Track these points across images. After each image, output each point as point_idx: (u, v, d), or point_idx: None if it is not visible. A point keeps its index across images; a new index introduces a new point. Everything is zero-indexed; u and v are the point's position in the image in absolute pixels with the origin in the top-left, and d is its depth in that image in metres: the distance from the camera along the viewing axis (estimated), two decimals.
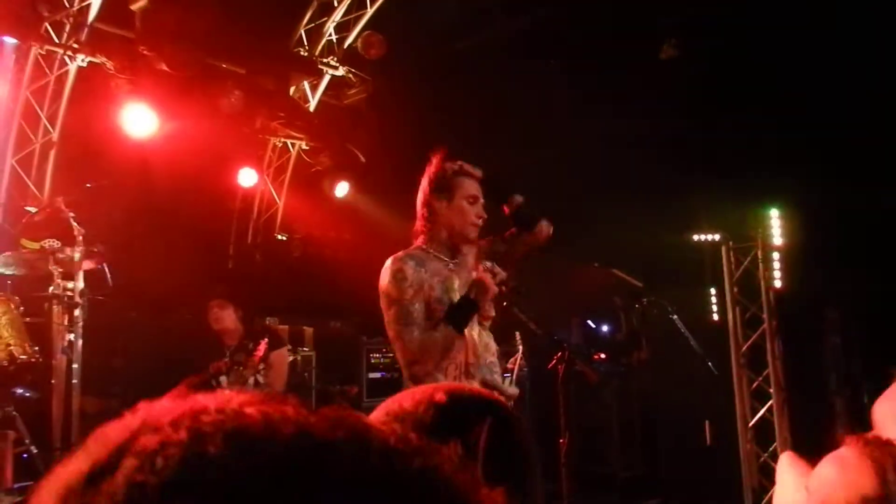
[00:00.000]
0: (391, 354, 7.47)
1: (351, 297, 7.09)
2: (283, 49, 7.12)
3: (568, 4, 6.20)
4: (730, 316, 5.43)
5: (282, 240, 7.84)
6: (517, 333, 5.82)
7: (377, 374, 7.26)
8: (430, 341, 2.70)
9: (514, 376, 6.03)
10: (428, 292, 2.74)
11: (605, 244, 6.68)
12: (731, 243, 5.42)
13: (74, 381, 4.51)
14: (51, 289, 4.53)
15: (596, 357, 7.88)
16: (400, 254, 2.83)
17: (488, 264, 2.90)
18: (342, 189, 7.69)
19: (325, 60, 7.31)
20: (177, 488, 0.42)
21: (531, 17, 6.61)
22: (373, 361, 7.25)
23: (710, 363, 4.43)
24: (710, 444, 4.41)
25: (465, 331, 2.80)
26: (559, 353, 4.21)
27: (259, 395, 0.50)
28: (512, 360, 6.02)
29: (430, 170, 2.94)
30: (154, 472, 0.43)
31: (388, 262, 2.80)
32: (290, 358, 5.50)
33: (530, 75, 6.77)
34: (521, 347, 5.92)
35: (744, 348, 5.42)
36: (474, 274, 2.83)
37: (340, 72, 7.39)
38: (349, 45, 7.29)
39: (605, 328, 8.51)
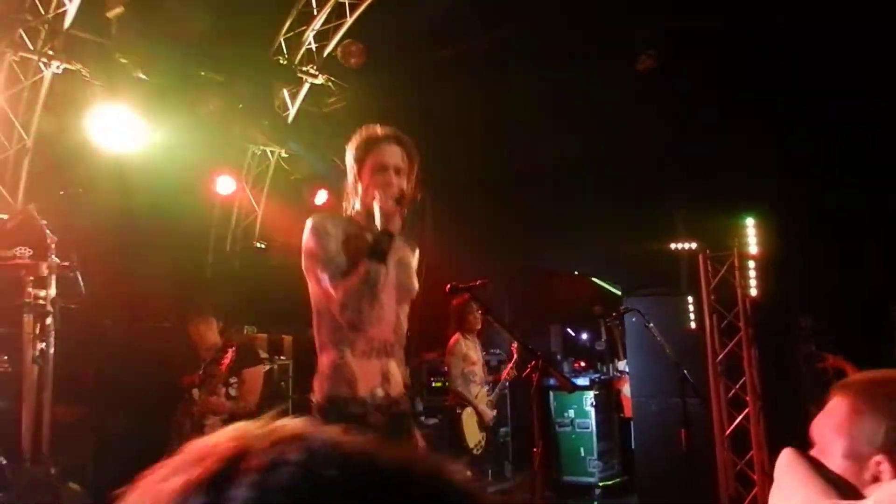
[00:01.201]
0: None
1: None
2: (262, 57, 7.09)
3: (545, 16, 6.24)
4: (706, 324, 5.46)
5: (261, 248, 7.80)
6: (513, 344, 5.81)
7: None
8: (356, 281, 2.49)
9: (498, 389, 6.00)
10: (353, 247, 2.56)
11: (585, 253, 6.72)
12: (707, 252, 5.46)
13: (45, 390, 4.45)
14: (25, 298, 4.48)
15: (576, 365, 7.90)
16: (320, 213, 2.73)
17: (395, 193, 2.63)
18: (322, 197, 7.66)
19: (304, 69, 7.30)
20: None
21: (509, 27, 6.65)
22: None
23: (685, 371, 4.44)
24: (685, 451, 4.42)
25: (384, 309, 2.61)
26: (533, 362, 4.24)
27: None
28: (505, 371, 6.00)
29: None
30: (277, 488, 0.46)
31: (308, 221, 2.64)
32: (267, 367, 5.45)
33: (508, 85, 6.80)
34: (515, 357, 5.90)
35: (720, 356, 5.45)
36: (376, 204, 2.59)
37: (320, 80, 7.38)
38: (329, 54, 7.28)
39: (584, 336, 8.54)
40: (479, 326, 5.80)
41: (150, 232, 6.31)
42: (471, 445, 5.59)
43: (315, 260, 2.55)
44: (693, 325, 5.64)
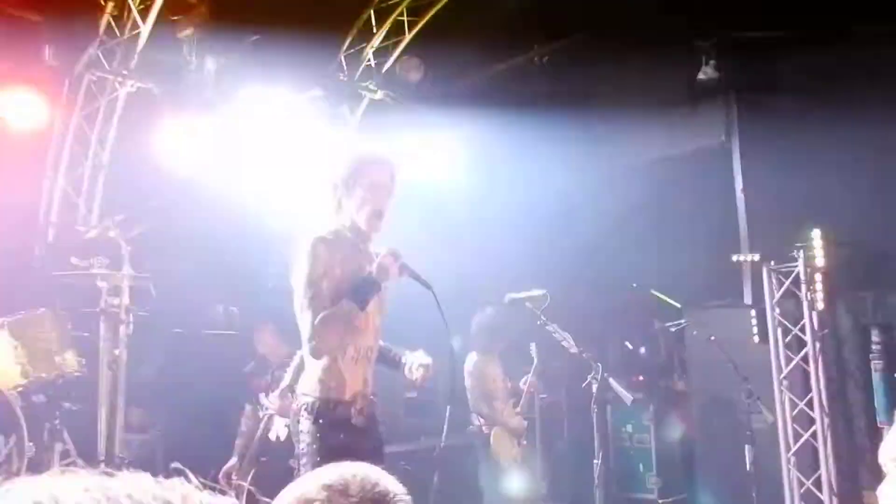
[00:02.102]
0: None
1: (389, 315, 7.15)
2: (324, 75, 7.26)
3: (605, 26, 6.23)
4: (771, 338, 5.33)
5: None
6: (532, 344, 5.66)
7: (413, 394, 7.27)
8: (332, 315, 2.76)
9: (524, 400, 5.77)
10: (338, 275, 2.81)
11: (644, 264, 6.63)
12: (772, 263, 5.34)
13: (119, 395, 4.64)
14: (99, 306, 4.69)
15: (633, 379, 7.77)
16: (318, 234, 2.88)
17: (393, 248, 2.93)
18: None
19: (364, 84, 7.44)
20: None
21: (567, 39, 6.66)
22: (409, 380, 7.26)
23: (749, 387, 4.34)
24: (750, 469, 4.31)
25: (370, 318, 2.94)
26: (593, 373, 4.21)
27: None
28: (523, 380, 5.75)
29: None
30: None
31: (306, 241, 2.86)
32: None
33: (565, 96, 6.80)
34: (535, 361, 5.70)
35: (785, 371, 5.31)
36: (377, 255, 2.90)
37: (379, 95, 7.51)
38: (388, 70, 7.42)
39: (642, 350, 8.41)
40: (503, 344, 5.63)
41: (217, 243, 6.50)
42: (507, 464, 5.42)
43: (302, 278, 2.80)
44: (757, 339, 5.51)
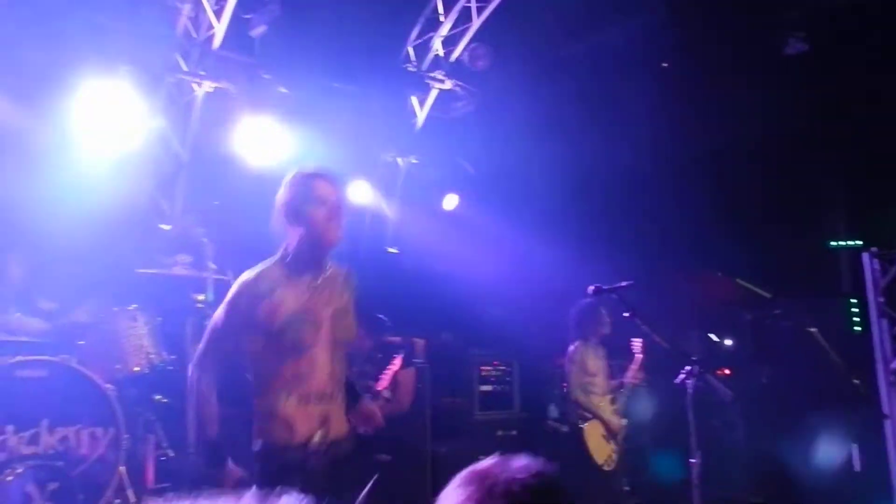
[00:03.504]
0: (502, 367, 7.41)
1: (460, 308, 7.10)
2: (392, 67, 7.25)
3: (680, 3, 5.99)
4: (875, 329, 5.02)
5: (393, 253, 7.95)
6: (634, 340, 5.53)
7: (488, 387, 7.21)
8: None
9: (624, 395, 5.62)
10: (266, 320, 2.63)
11: (729, 252, 6.37)
12: (874, 249, 5.03)
13: None
14: (184, 301, 4.78)
15: (719, 373, 7.51)
16: (250, 274, 2.72)
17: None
18: (451, 202, 7.73)
19: (432, 75, 7.39)
20: None
21: (642, 19, 6.44)
22: (483, 374, 7.21)
23: (855, 381, 4.09)
24: (859, 469, 4.05)
25: (316, 360, 2.68)
26: (688, 368, 4.04)
27: None
28: (630, 372, 5.64)
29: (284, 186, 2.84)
30: None
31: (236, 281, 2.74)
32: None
33: (642, 80, 6.58)
34: (638, 356, 5.60)
35: (893, 364, 5.00)
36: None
37: (448, 85, 7.45)
38: (456, 59, 7.34)
39: (728, 342, 8.12)
40: (606, 332, 5.55)
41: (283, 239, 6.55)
42: (599, 461, 5.29)
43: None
44: (858, 329, 5.21)
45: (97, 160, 5.51)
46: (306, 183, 2.77)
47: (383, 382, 4.53)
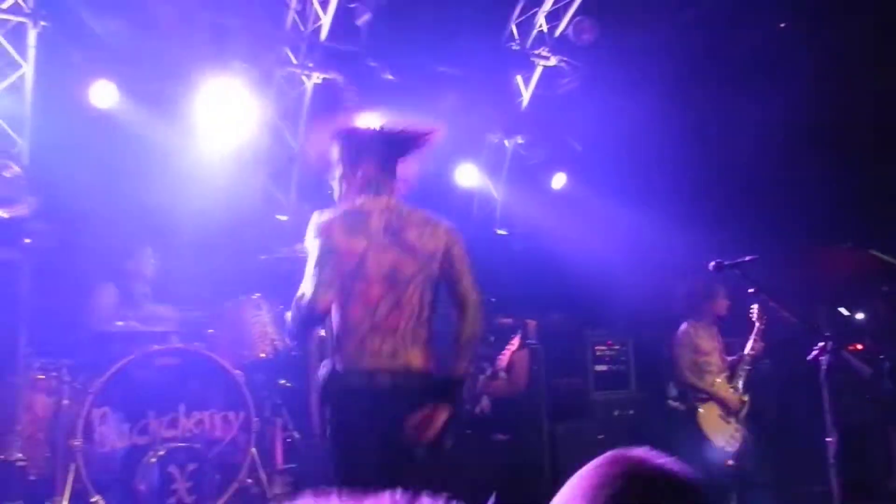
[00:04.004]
0: (616, 346, 7.27)
1: (573, 288, 7.00)
2: (495, 47, 7.18)
3: None
4: None
5: (502, 235, 7.93)
6: (754, 307, 5.23)
7: (603, 367, 7.11)
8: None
9: (744, 371, 5.30)
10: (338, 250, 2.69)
11: (861, 220, 5.93)
12: None
13: None
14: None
15: (851, 348, 7.04)
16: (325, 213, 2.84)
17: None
18: (559, 180, 7.61)
19: (536, 52, 7.26)
20: None
21: None
22: (598, 353, 7.11)
23: None
24: None
25: (375, 290, 2.67)
26: (822, 344, 3.81)
27: None
28: (750, 343, 5.30)
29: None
30: None
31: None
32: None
33: (760, 45, 6.21)
34: (758, 324, 5.28)
35: None
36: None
37: (552, 62, 7.30)
38: (560, 34, 7.17)
39: (859, 316, 7.59)
40: (721, 312, 5.28)
41: None
42: (719, 443, 5.08)
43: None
44: None
45: (216, 156, 5.79)
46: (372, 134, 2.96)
47: (503, 361, 4.55)
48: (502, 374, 4.60)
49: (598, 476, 0.96)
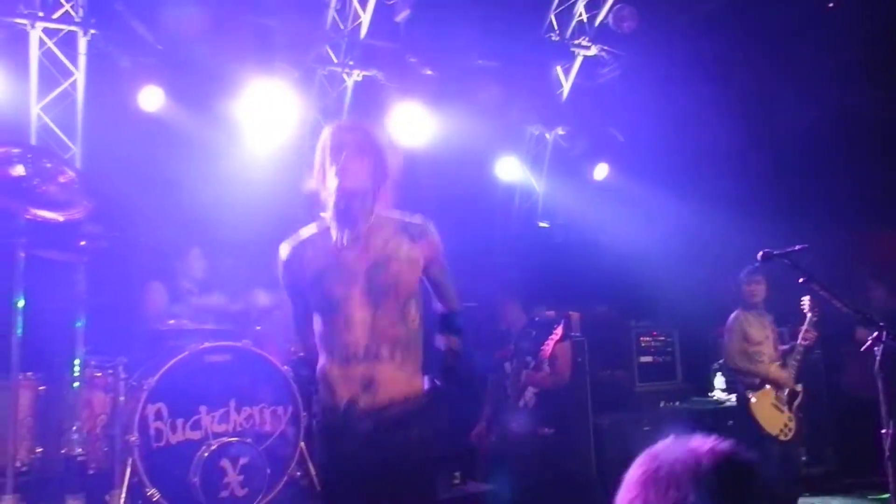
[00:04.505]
0: (662, 337, 7.19)
1: (616, 280, 6.94)
2: (534, 38, 7.13)
3: None
4: None
5: (544, 227, 7.89)
6: (805, 299, 5.14)
7: (648, 358, 7.06)
8: None
9: (796, 359, 5.20)
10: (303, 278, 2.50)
11: None
12: None
13: None
14: None
15: None
16: (292, 239, 2.60)
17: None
18: (601, 171, 7.54)
19: (576, 42, 7.19)
20: None
21: None
22: (643, 345, 7.06)
23: None
24: None
25: (351, 315, 2.43)
26: (876, 333, 3.70)
27: None
28: (801, 333, 5.18)
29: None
30: None
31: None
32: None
33: (810, 27, 6.03)
34: (809, 315, 5.18)
35: None
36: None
37: (593, 51, 7.23)
38: (600, 23, 7.09)
39: None
40: (759, 298, 5.22)
41: (438, 219, 6.68)
42: (774, 432, 4.99)
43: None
44: None
45: (260, 156, 5.88)
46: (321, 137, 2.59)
47: (546, 352, 4.55)
48: (546, 366, 4.60)
49: (639, 471, 0.95)
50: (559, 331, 4.50)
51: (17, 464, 4.08)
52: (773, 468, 4.87)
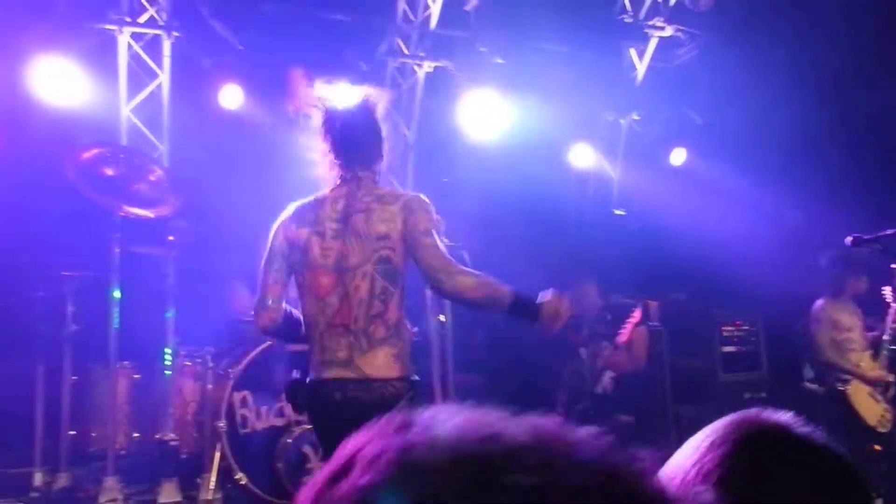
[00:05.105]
0: (745, 326, 6.97)
1: (696, 267, 6.76)
2: (606, 20, 7.00)
3: None
4: None
5: (619, 214, 7.76)
6: (887, 289, 4.90)
7: (731, 348, 6.87)
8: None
9: (892, 343, 4.99)
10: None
11: None
12: None
13: (448, 358, 4.99)
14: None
15: None
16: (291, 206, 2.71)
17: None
18: (679, 156, 7.35)
19: (650, 23, 7.01)
20: (389, 488, 0.46)
21: None
22: (725, 334, 6.87)
23: None
24: None
25: (329, 281, 2.51)
26: None
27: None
28: (888, 321, 4.97)
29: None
30: (372, 474, 0.47)
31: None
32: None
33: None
34: (894, 304, 4.96)
35: None
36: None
37: (668, 32, 7.03)
38: (676, 1, 6.89)
39: None
40: (861, 288, 5.03)
41: (513, 208, 6.68)
42: (871, 423, 4.81)
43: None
44: None
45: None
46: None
47: (623, 335, 4.51)
48: (623, 349, 4.56)
49: (716, 434, 0.90)
50: (637, 314, 4.46)
51: (117, 447, 4.32)
52: (873, 461, 4.68)
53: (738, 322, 6.91)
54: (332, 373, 2.44)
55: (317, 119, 2.75)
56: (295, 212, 2.62)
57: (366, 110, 2.74)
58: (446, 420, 0.52)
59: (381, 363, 2.43)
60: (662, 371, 5.99)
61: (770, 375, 6.86)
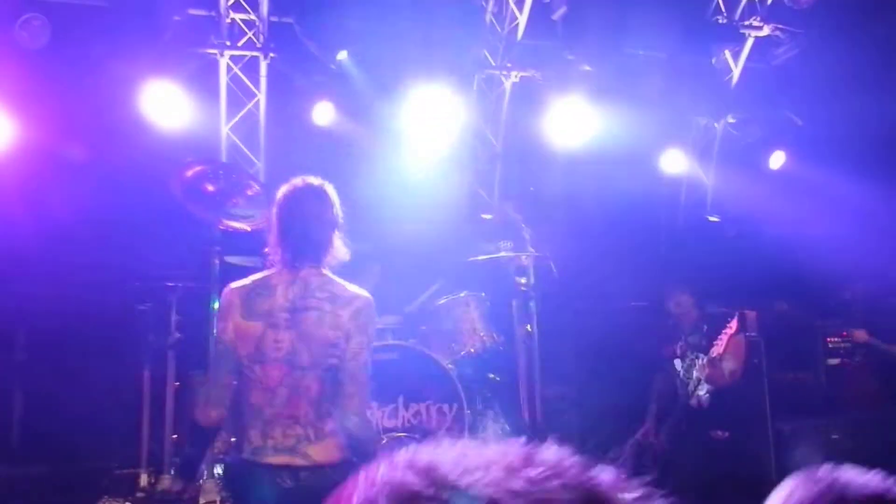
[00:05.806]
0: (850, 340, 6.61)
1: (797, 276, 6.45)
2: (698, 22, 6.80)
3: None
4: None
5: (713, 221, 7.50)
6: None
7: (836, 360, 6.55)
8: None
9: None
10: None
11: None
12: None
13: (534, 367, 4.98)
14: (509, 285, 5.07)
15: None
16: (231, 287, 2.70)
17: None
18: (778, 159, 7.05)
19: (746, 23, 6.76)
20: None
21: None
22: (830, 346, 6.55)
23: None
24: None
25: (283, 386, 2.54)
26: None
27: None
28: None
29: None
30: None
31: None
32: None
33: None
34: None
35: None
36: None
37: (765, 31, 6.75)
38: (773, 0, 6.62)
39: None
40: None
41: (602, 216, 6.58)
42: None
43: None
44: None
45: (422, 160, 6.10)
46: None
47: (719, 348, 4.37)
48: (718, 361, 4.41)
49: (796, 495, 0.89)
50: (734, 324, 4.30)
51: (215, 451, 4.54)
52: None
53: (844, 333, 6.57)
54: (279, 459, 2.50)
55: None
56: (243, 301, 2.58)
57: (323, 201, 2.67)
58: None
59: (330, 450, 2.53)
60: (760, 384, 5.75)
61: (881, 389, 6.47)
